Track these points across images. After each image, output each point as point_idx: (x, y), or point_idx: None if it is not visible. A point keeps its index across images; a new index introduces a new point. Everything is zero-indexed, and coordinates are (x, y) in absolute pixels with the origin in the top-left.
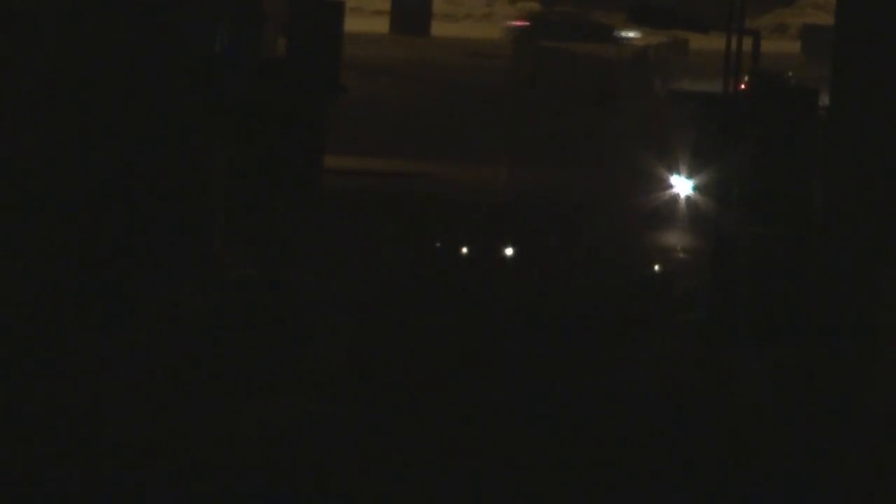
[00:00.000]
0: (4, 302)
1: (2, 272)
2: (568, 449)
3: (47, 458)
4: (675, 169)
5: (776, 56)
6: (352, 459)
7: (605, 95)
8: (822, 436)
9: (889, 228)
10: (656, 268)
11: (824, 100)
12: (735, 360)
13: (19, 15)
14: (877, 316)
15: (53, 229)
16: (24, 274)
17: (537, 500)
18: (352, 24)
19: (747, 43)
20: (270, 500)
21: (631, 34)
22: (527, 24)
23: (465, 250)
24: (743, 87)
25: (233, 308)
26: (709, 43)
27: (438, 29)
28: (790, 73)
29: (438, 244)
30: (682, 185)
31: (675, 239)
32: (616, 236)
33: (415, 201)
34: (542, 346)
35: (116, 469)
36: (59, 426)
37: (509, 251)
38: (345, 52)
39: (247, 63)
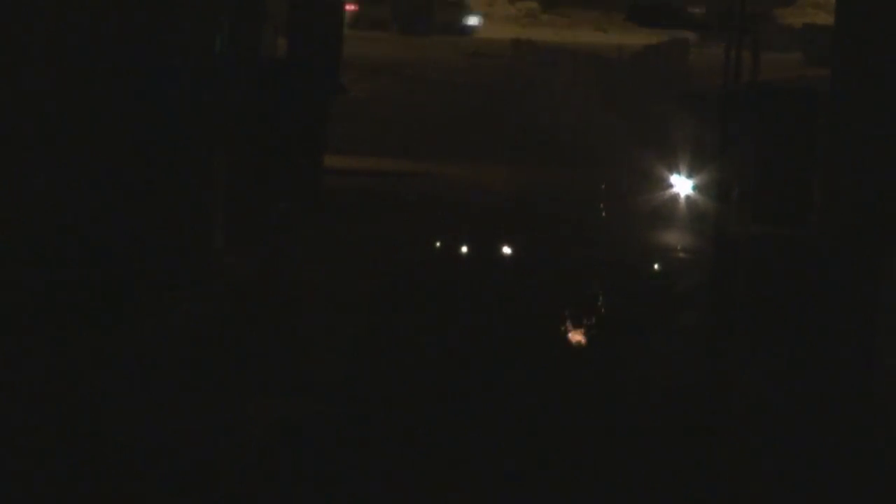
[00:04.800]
0: (1, 302)
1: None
2: (568, 449)
3: (46, 459)
4: (674, 168)
5: (776, 56)
6: (351, 460)
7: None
8: (822, 436)
9: (889, 228)
10: (656, 267)
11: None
12: (735, 360)
13: (17, 13)
14: (877, 316)
15: (51, 229)
16: (23, 275)
17: (538, 501)
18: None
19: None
20: (270, 501)
21: (473, 21)
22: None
23: (465, 250)
24: None
25: (232, 308)
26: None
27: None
28: None
29: (438, 244)
30: (681, 185)
31: (675, 238)
32: (615, 236)
33: (415, 201)
34: (541, 346)
35: (116, 470)
36: (57, 427)
37: (510, 251)
38: (345, 52)
39: (247, 63)
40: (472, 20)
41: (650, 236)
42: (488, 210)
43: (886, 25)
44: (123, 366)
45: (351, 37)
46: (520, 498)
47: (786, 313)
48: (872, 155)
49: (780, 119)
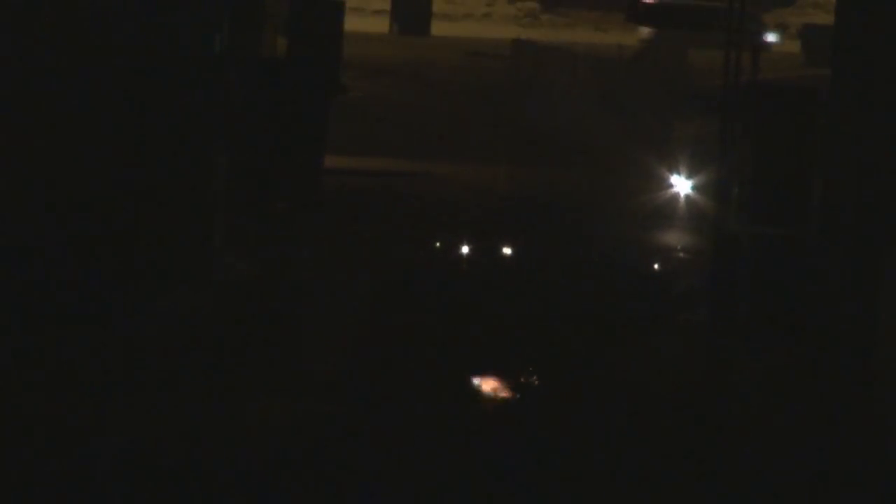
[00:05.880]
0: (1, 300)
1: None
2: (568, 448)
3: (45, 458)
4: (674, 168)
5: (776, 56)
6: (351, 460)
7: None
8: (822, 435)
9: (889, 228)
10: (656, 267)
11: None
12: (736, 359)
13: (18, 12)
14: (877, 315)
15: (51, 229)
16: (22, 273)
17: (538, 500)
18: (352, 24)
19: None
20: (270, 501)
21: (772, 38)
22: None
23: (464, 250)
24: None
25: (232, 308)
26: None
27: (438, 28)
28: None
29: (438, 244)
30: (681, 185)
31: (675, 238)
32: (615, 236)
33: (414, 201)
34: (542, 346)
35: (115, 469)
36: (57, 426)
37: (509, 251)
38: (345, 52)
39: (246, 63)
40: (771, 37)
41: (650, 236)
42: (488, 210)
43: (886, 25)
44: (121, 365)
45: (351, 36)
46: (521, 497)
47: (785, 313)
48: (872, 155)
49: (780, 119)
